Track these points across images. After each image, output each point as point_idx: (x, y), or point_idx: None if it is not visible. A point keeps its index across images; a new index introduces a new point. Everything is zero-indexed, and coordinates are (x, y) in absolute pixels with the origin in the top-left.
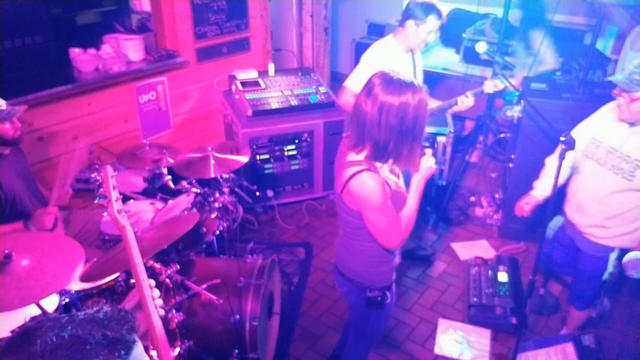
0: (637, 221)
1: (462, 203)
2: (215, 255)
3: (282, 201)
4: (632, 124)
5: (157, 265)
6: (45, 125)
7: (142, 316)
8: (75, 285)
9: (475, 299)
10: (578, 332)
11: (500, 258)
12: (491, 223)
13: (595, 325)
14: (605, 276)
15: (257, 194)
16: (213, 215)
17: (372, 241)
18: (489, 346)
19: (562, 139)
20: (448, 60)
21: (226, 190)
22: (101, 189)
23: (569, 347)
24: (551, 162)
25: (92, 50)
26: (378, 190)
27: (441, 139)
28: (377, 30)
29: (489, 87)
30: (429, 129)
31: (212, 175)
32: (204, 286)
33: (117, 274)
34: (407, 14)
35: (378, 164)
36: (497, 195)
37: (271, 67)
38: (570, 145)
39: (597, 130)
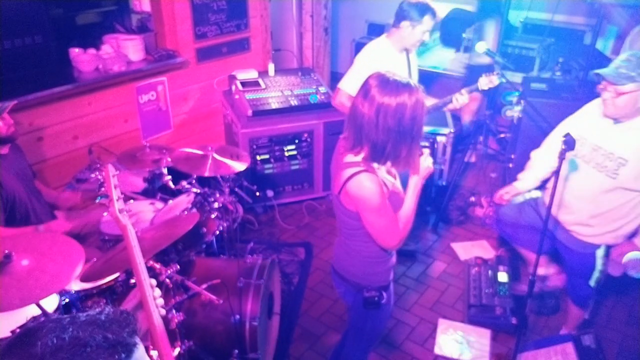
0: (621, 219)
1: (462, 203)
2: (215, 255)
3: (282, 201)
4: (616, 121)
5: (157, 265)
6: (45, 125)
7: (143, 316)
8: (75, 286)
9: (475, 299)
10: (578, 332)
11: (500, 258)
12: (491, 223)
13: (590, 326)
14: (596, 274)
15: (257, 194)
16: (213, 216)
17: (368, 241)
18: (489, 346)
19: (562, 138)
20: (451, 59)
21: (226, 190)
22: (102, 188)
23: (569, 347)
24: (536, 155)
25: (92, 50)
26: (376, 192)
27: (441, 139)
28: (377, 30)
29: (484, 83)
30: (429, 129)
31: (207, 174)
32: (204, 286)
33: (117, 274)
34: (401, 15)
35: (375, 165)
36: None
37: (271, 67)
38: (571, 145)
39: (582, 127)
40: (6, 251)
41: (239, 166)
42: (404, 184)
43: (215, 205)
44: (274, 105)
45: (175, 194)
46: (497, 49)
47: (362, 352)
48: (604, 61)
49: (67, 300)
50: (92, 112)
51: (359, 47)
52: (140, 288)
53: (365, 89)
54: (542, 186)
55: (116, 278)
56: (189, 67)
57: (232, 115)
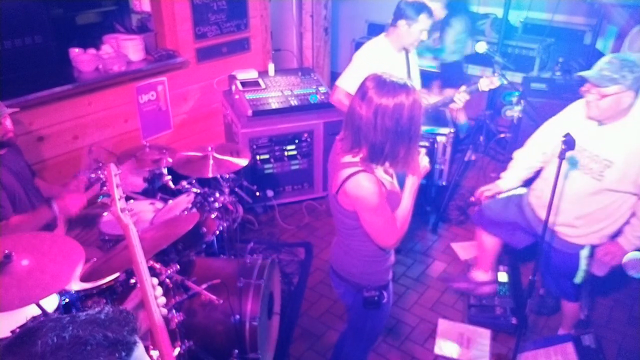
0: (606, 220)
1: (462, 203)
2: (215, 255)
3: (282, 201)
4: (601, 123)
5: (157, 265)
6: (45, 125)
7: (143, 315)
8: (76, 285)
9: (475, 299)
10: (578, 332)
11: (500, 258)
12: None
13: (590, 326)
14: (580, 273)
15: (257, 194)
16: (213, 215)
17: (367, 241)
18: (489, 346)
19: (562, 138)
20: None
21: (226, 190)
22: (104, 188)
23: (569, 347)
24: (519, 155)
25: (92, 50)
26: (374, 191)
27: (441, 139)
28: (377, 31)
29: (485, 84)
30: (429, 129)
31: (211, 175)
32: (204, 286)
33: (117, 274)
34: (398, 14)
35: (373, 165)
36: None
37: (271, 67)
38: (571, 145)
39: (566, 129)
40: (6, 251)
41: (240, 162)
42: (401, 183)
43: (216, 205)
44: (274, 105)
45: (175, 193)
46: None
47: (362, 352)
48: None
49: (67, 300)
50: (92, 112)
51: (358, 47)
52: (141, 288)
53: (362, 90)
54: (527, 184)
55: (116, 278)
56: (189, 67)
57: (232, 115)
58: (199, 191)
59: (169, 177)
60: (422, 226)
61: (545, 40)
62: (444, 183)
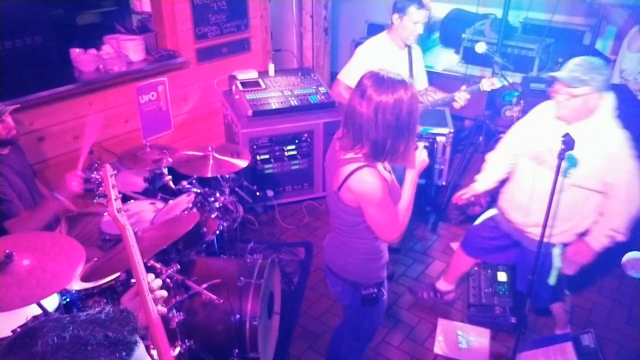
0: (575, 217)
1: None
2: (216, 255)
3: (282, 201)
4: (569, 122)
5: (158, 265)
6: (46, 125)
7: (141, 314)
8: (76, 285)
9: (474, 299)
10: (577, 331)
11: None
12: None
13: (589, 325)
14: (554, 272)
15: (258, 194)
16: (213, 215)
17: (366, 238)
18: (488, 346)
19: (561, 138)
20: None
21: (226, 190)
22: (101, 188)
23: (568, 347)
24: (491, 157)
25: (92, 51)
26: (379, 186)
27: (441, 139)
28: (377, 31)
29: (486, 85)
30: (429, 129)
31: (210, 174)
32: (204, 286)
33: (117, 274)
34: (393, 9)
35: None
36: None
37: (271, 68)
38: (570, 145)
39: (535, 129)
40: (7, 251)
41: (240, 163)
42: (399, 179)
43: (216, 205)
44: (274, 105)
45: (175, 193)
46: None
47: (359, 350)
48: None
49: (67, 299)
50: (93, 112)
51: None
52: (139, 287)
53: (361, 89)
54: (496, 197)
55: (117, 277)
56: (190, 68)
57: (232, 115)
58: (199, 191)
59: (170, 177)
60: (422, 226)
61: (545, 40)
62: (443, 183)
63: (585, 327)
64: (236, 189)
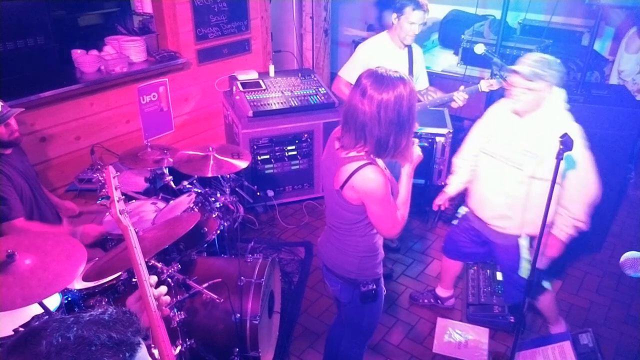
0: (537, 208)
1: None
2: (216, 254)
3: (282, 201)
4: (521, 116)
5: (159, 265)
6: (47, 125)
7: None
8: (78, 284)
9: (473, 298)
10: (575, 330)
11: None
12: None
13: (588, 325)
14: (524, 264)
15: (258, 193)
16: (214, 215)
17: (365, 235)
18: (487, 345)
19: (560, 139)
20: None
21: (227, 190)
22: (104, 190)
23: (567, 346)
24: (457, 160)
25: (94, 52)
26: (382, 182)
27: (440, 139)
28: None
29: (485, 86)
30: (428, 129)
31: (211, 174)
32: (205, 285)
33: (118, 273)
34: (392, 9)
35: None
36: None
37: (271, 68)
38: (568, 145)
39: (492, 126)
40: (9, 250)
41: (241, 163)
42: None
43: (217, 205)
44: (275, 106)
45: (176, 193)
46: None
47: (359, 347)
48: (602, 62)
49: (69, 298)
50: (94, 112)
51: None
52: (141, 288)
53: (361, 88)
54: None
55: (118, 277)
56: (190, 68)
57: (233, 116)
58: (200, 191)
59: (171, 177)
60: (421, 226)
61: (544, 41)
62: (443, 183)
63: (583, 326)
64: (237, 189)
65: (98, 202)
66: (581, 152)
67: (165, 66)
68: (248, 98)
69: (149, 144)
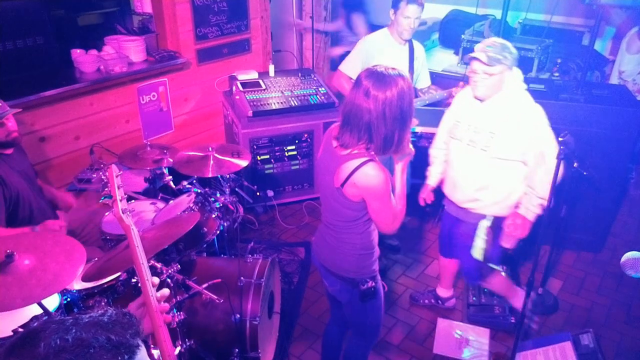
0: (503, 189)
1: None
2: (216, 254)
3: (282, 201)
4: (483, 100)
5: (159, 265)
6: (47, 125)
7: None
8: (77, 285)
9: (474, 298)
10: (576, 331)
11: (499, 258)
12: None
13: (589, 325)
14: (478, 243)
15: (258, 194)
16: (214, 215)
17: (363, 232)
18: (487, 345)
19: (560, 139)
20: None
21: (227, 190)
22: (106, 189)
23: (568, 346)
24: (432, 152)
25: (93, 52)
26: (384, 179)
27: None
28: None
29: None
30: (428, 129)
31: (210, 174)
32: (204, 285)
33: (118, 274)
34: (391, 4)
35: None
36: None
37: (271, 68)
38: (568, 145)
39: (457, 113)
40: (8, 251)
41: (241, 163)
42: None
43: (216, 205)
44: (275, 105)
45: (176, 193)
46: None
47: (366, 346)
48: (602, 62)
49: (68, 299)
50: (94, 112)
51: None
52: (143, 288)
53: (363, 88)
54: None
55: (117, 277)
56: (190, 68)
57: (232, 116)
58: (199, 191)
59: (170, 177)
60: (421, 226)
61: (544, 41)
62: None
63: (584, 327)
64: (236, 189)
65: (100, 201)
66: (547, 132)
67: (165, 66)
68: (248, 98)
69: (149, 144)
